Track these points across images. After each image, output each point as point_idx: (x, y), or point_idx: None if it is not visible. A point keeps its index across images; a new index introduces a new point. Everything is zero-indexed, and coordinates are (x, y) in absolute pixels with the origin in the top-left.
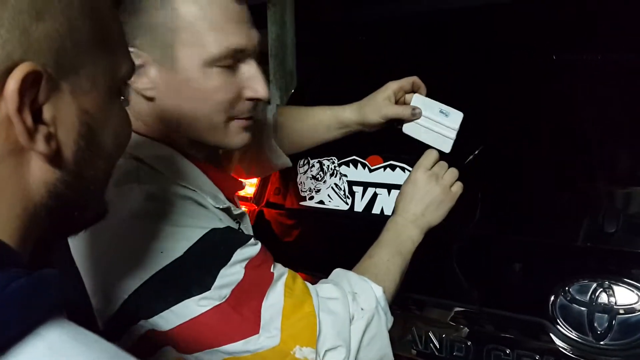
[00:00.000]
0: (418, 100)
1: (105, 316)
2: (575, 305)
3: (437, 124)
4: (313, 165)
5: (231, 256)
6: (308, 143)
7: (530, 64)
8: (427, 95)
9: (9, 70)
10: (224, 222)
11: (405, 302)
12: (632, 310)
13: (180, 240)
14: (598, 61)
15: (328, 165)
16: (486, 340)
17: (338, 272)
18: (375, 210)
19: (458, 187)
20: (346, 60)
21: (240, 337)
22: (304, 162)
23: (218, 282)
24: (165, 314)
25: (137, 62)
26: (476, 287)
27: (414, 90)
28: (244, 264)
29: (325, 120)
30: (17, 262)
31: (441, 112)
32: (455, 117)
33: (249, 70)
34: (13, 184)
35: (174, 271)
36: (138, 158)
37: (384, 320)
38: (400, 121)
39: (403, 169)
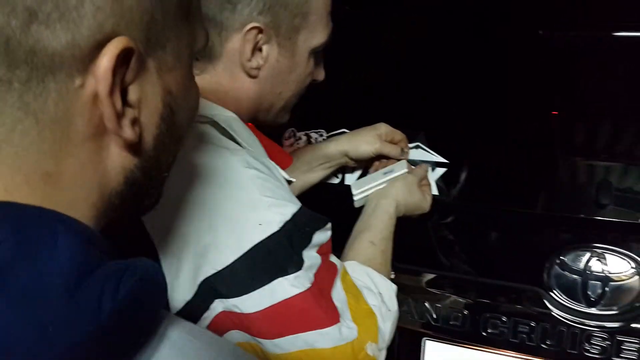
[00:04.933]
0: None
1: (181, 298)
2: (569, 273)
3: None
4: (300, 138)
5: (312, 238)
6: (296, 185)
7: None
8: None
9: (100, 44)
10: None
11: (402, 272)
12: (624, 278)
13: (277, 213)
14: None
15: (316, 138)
16: (483, 309)
17: (357, 268)
18: None
19: (429, 203)
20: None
21: (326, 324)
22: (289, 133)
23: (306, 263)
24: (256, 293)
25: (259, 40)
26: (473, 258)
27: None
28: (317, 248)
29: (303, 157)
30: (108, 254)
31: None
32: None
33: (317, 57)
34: (92, 171)
35: (270, 246)
36: (212, 121)
37: (398, 315)
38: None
39: None
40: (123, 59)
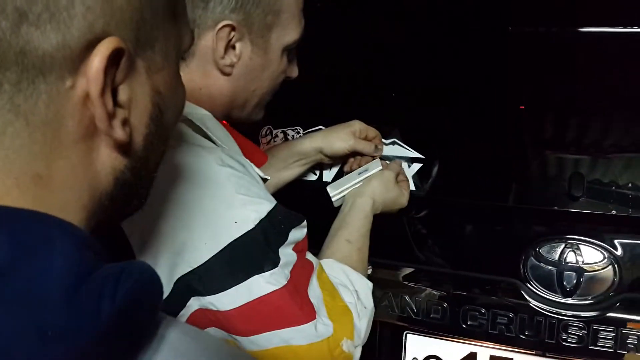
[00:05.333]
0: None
1: None
2: (544, 265)
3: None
4: (276, 136)
5: (288, 235)
6: (271, 183)
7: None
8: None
9: (90, 45)
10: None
11: (382, 267)
12: (598, 268)
13: (252, 211)
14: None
15: (293, 135)
16: (461, 302)
17: (333, 266)
18: None
19: (406, 198)
20: None
21: (302, 321)
22: (266, 131)
23: (282, 260)
24: (232, 290)
25: (232, 38)
26: (451, 252)
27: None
28: (293, 245)
29: (278, 154)
30: (102, 257)
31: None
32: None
33: (291, 54)
34: (82, 172)
35: (246, 244)
36: (187, 119)
37: (374, 312)
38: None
39: None
40: (114, 59)
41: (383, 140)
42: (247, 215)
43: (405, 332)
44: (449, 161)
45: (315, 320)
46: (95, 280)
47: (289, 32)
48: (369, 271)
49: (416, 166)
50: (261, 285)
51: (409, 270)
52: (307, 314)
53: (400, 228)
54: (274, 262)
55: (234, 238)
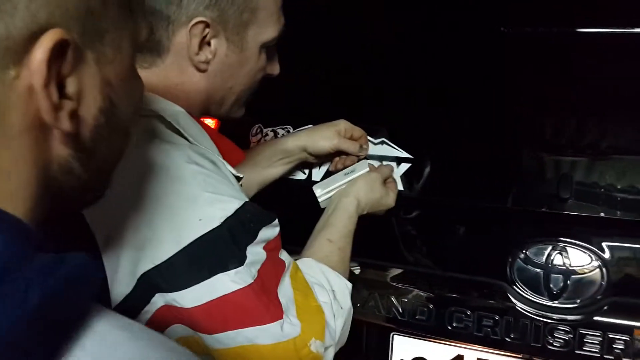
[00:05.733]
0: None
1: (120, 292)
2: (531, 267)
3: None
4: (267, 135)
5: (257, 234)
6: (255, 180)
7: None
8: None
9: (34, 36)
10: (242, 192)
11: (369, 267)
12: (585, 271)
13: (218, 209)
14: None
15: (283, 134)
16: (448, 304)
17: (311, 265)
18: None
19: (393, 199)
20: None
21: (267, 320)
22: (256, 130)
23: (248, 258)
24: (195, 288)
25: (207, 35)
26: (437, 252)
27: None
28: (264, 244)
29: (263, 151)
30: (41, 247)
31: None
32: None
33: (271, 51)
34: (29, 163)
35: (210, 242)
36: (158, 115)
37: (352, 312)
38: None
39: None
40: (59, 51)
41: (372, 139)
42: (212, 213)
43: (392, 333)
44: (437, 161)
45: (281, 320)
46: (27, 270)
47: (267, 30)
48: (357, 271)
49: (404, 166)
50: (225, 283)
51: (396, 271)
52: (273, 313)
53: (388, 228)
54: (239, 261)
55: (198, 235)
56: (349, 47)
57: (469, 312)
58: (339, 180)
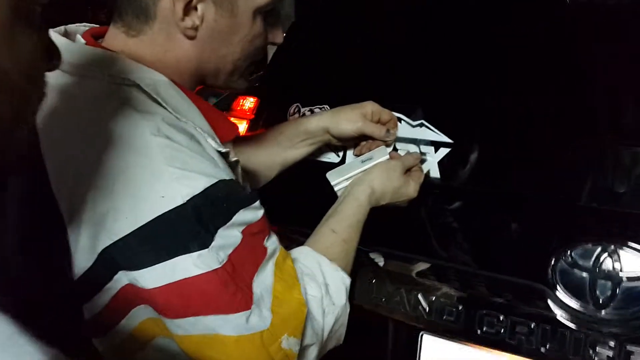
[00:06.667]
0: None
1: (80, 266)
2: (576, 270)
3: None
4: (304, 114)
5: (232, 216)
6: (276, 161)
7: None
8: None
9: None
10: (224, 170)
11: (394, 260)
12: (638, 278)
13: (184, 186)
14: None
15: None
16: (479, 305)
17: (308, 255)
18: None
19: (414, 189)
20: None
21: (231, 310)
22: (294, 109)
23: (217, 241)
24: (154, 268)
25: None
26: (470, 247)
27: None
28: (242, 227)
29: (286, 131)
30: None
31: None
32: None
33: (271, 17)
34: None
35: (172, 220)
36: (136, 84)
37: (348, 310)
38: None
39: (400, 119)
40: None
41: (410, 121)
42: (176, 190)
43: (421, 333)
44: (480, 147)
45: (248, 311)
46: None
47: None
48: (381, 263)
49: (443, 151)
50: (187, 266)
51: (422, 265)
52: (239, 302)
53: (418, 218)
54: (204, 243)
55: (159, 213)
56: (389, 23)
57: (501, 317)
58: (355, 168)
